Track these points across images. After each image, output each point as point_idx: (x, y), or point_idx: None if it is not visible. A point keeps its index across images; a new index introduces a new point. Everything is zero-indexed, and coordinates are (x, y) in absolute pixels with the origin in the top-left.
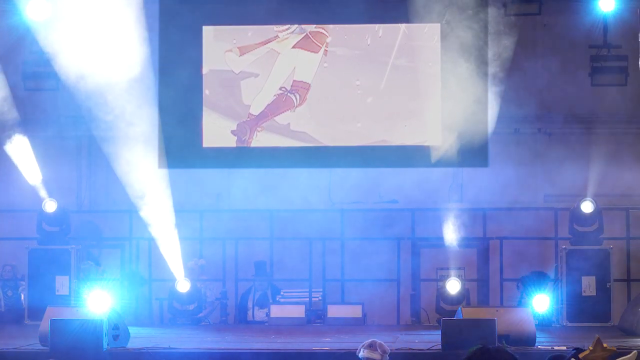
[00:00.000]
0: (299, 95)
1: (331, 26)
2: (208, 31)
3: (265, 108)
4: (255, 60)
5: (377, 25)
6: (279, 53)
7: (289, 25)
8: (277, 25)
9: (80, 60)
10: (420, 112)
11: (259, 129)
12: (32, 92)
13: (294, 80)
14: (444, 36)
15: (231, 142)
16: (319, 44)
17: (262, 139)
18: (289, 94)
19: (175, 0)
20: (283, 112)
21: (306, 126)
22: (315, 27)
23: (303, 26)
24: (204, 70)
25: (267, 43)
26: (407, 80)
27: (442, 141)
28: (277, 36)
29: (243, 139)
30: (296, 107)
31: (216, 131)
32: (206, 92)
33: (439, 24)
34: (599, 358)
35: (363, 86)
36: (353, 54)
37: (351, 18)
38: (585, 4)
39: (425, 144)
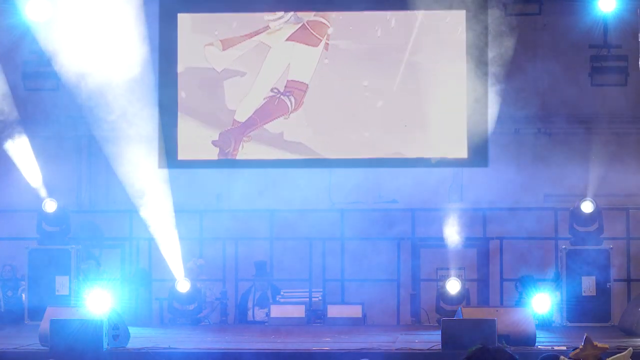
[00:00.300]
0: (294, 98)
1: (333, 14)
2: (184, 20)
3: (254, 114)
4: (241, 56)
5: (388, 13)
6: (270, 47)
7: (282, 13)
8: (268, 13)
9: (80, 60)
10: (441, 118)
11: (245, 138)
12: (32, 92)
13: (288, 80)
14: (469, 26)
15: (212, 154)
16: (318, 36)
17: (249, 151)
18: (282, 97)
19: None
20: (275, 118)
21: (302, 135)
22: (314, 16)
23: (299, 14)
24: (180, 69)
25: (255, 35)
26: (426, 80)
27: (468, 153)
28: (267, 26)
29: (226, 150)
30: (291, 112)
31: (194, 141)
32: (182, 94)
33: (463, 11)
34: (590, 356)
35: (372, 87)
36: (360, 48)
37: (357, 4)
38: (585, 4)
39: (449, 156)
